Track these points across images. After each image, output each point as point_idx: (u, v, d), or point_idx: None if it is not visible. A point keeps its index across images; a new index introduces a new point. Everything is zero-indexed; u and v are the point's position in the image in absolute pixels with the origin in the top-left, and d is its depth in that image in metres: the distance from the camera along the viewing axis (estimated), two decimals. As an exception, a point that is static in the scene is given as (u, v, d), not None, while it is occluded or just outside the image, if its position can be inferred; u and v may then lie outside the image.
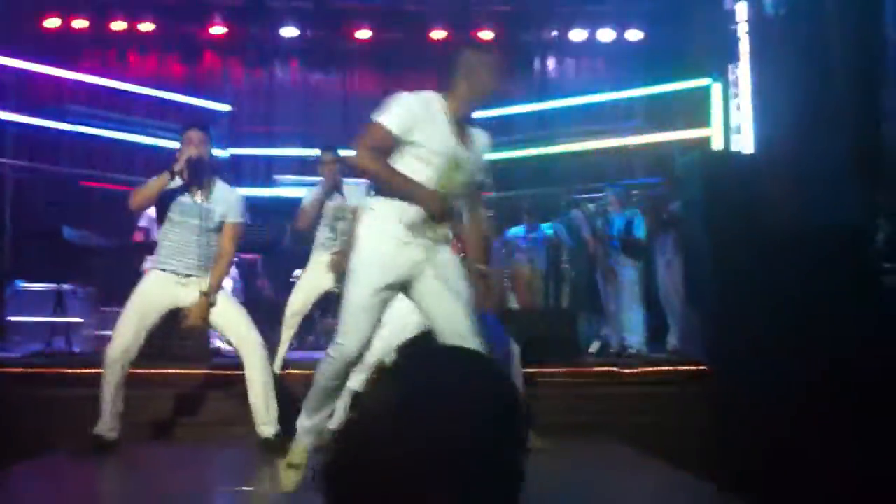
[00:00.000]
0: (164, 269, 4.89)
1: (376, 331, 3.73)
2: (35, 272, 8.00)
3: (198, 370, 6.26)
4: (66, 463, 4.77)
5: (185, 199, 4.87)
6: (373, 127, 3.49)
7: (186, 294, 4.88)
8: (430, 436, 1.17)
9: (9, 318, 7.87)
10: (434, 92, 3.64)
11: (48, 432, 5.31)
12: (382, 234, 3.57)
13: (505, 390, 1.28)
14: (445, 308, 3.60)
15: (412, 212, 3.53)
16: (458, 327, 3.55)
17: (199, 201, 4.90)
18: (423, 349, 1.43)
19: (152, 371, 5.88)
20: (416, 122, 3.48)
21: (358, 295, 3.55)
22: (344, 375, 3.73)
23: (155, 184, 4.77)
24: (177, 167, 4.74)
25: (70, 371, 6.29)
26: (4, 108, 9.44)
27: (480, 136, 3.75)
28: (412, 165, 3.51)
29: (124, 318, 4.81)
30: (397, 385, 1.29)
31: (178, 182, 4.79)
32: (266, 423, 4.84)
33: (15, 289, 8.01)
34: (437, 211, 3.53)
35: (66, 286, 7.60)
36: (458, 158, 3.57)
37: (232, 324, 4.95)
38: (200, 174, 4.85)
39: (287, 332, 6.16)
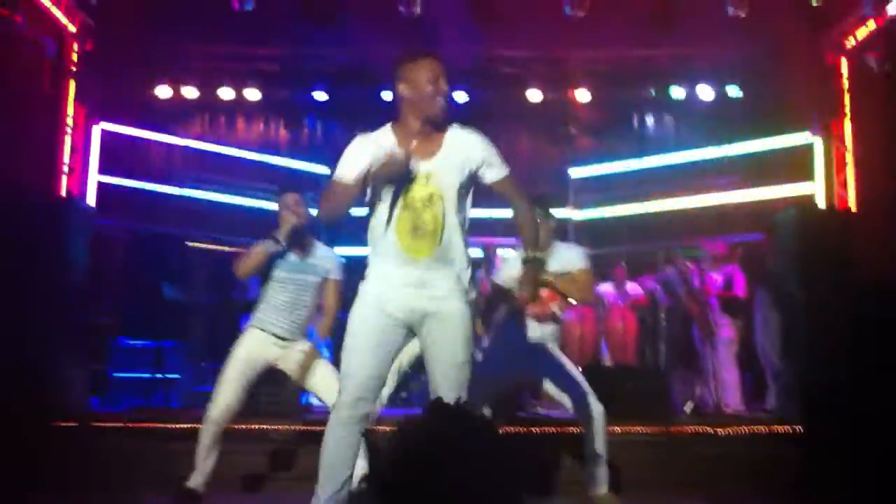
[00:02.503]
0: (263, 329, 5.04)
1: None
2: (138, 329, 8.27)
3: (290, 425, 6.33)
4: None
5: (289, 258, 5.02)
6: (330, 184, 3.55)
7: (285, 355, 5.04)
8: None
9: (111, 373, 8.13)
10: (387, 125, 3.58)
11: (142, 485, 5.45)
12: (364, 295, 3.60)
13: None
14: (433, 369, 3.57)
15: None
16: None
17: (301, 260, 5.06)
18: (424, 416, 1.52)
19: (245, 426, 5.98)
20: (371, 162, 3.42)
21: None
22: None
23: (259, 252, 4.93)
24: (279, 235, 4.89)
25: (165, 426, 6.43)
26: (116, 174, 9.88)
27: (459, 137, 3.58)
28: (380, 202, 3.50)
29: (225, 379, 4.95)
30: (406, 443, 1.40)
31: (279, 247, 4.93)
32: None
33: (119, 345, 8.29)
34: (400, 163, 3.34)
35: (165, 343, 7.81)
36: (419, 173, 3.43)
37: (323, 381, 5.04)
38: (301, 237, 5.01)
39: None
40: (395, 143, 3.49)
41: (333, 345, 8.23)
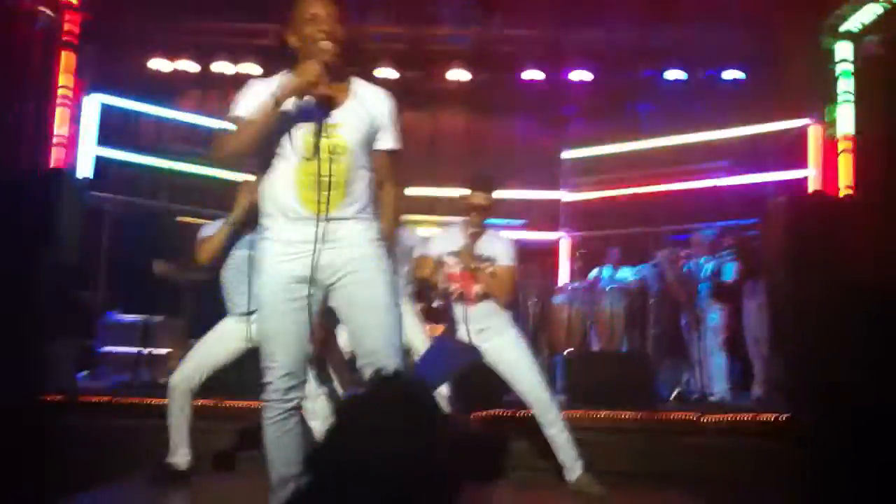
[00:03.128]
0: (233, 314, 5.08)
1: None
2: (128, 304, 8.27)
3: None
4: (139, 491, 4.94)
5: (246, 239, 4.99)
6: (228, 125, 3.25)
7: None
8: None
9: (99, 348, 8.14)
10: (285, 71, 3.23)
11: (129, 461, 5.47)
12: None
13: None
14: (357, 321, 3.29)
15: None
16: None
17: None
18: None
19: (228, 404, 6.00)
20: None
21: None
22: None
23: (218, 236, 4.96)
24: (233, 217, 5.01)
25: (152, 401, 6.44)
26: (107, 145, 9.85)
27: (367, 90, 3.32)
28: (277, 155, 3.21)
29: (194, 352, 5.05)
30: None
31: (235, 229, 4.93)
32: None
33: (108, 320, 8.30)
34: (313, 76, 3.03)
35: (154, 318, 7.82)
36: (326, 123, 3.15)
37: None
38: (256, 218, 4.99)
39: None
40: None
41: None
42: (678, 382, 7.69)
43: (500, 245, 5.07)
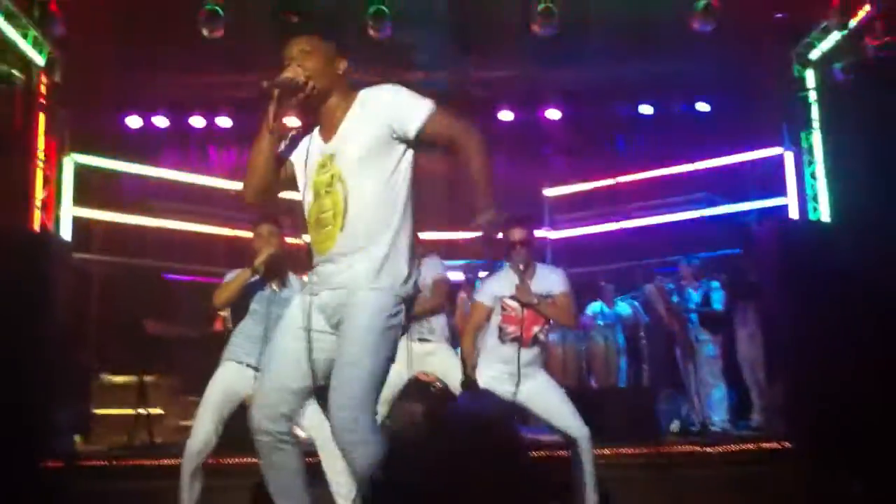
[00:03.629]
0: (238, 362, 5.00)
1: None
2: (119, 364, 8.20)
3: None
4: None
5: (264, 290, 5.03)
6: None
7: None
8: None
9: (93, 410, 8.04)
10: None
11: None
12: None
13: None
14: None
15: None
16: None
17: (276, 293, 5.04)
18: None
19: (229, 461, 5.93)
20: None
21: None
22: None
23: (237, 281, 4.91)
24: (257, 263, 4.88)
25: (151, 463, 6.38)
26: (90, 206, 9.81)
27: (362, 100, 3.10)
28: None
29: (202, 411, 4.92)
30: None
31: (255, 277, 4.93)
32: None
33: (100, 381, 8.21)
34: (292, 74, 2.99)
35: (148, 377, 7.75)
36: (324, 156, 3.08)
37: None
38: (276, 268, 5.00)
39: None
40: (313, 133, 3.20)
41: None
42: (677, 414, 7.71)
43: (553, 277, 5.12)
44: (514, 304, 5.04)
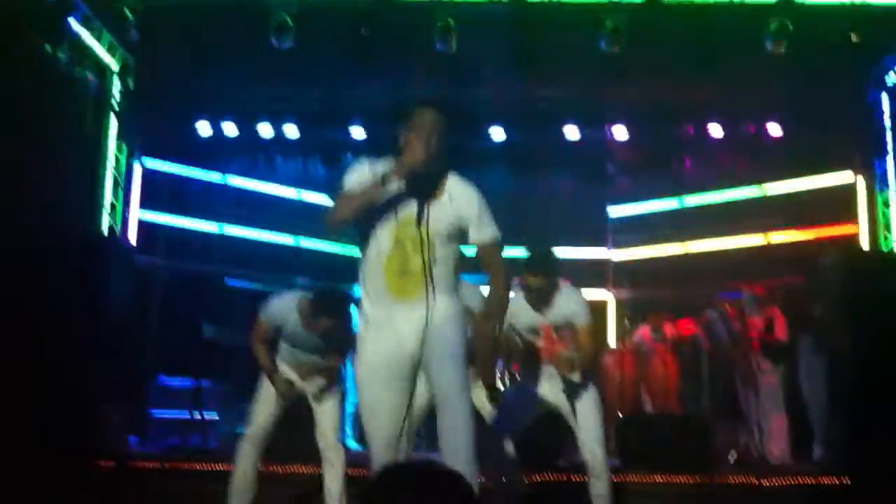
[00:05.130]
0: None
1: None
2: (177, 367, 8.29)
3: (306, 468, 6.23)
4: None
5: (298, 331, 5.10)
6: (338, 197, 3.52)
7: (307, 384, 5.24)
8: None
9: (150, 412, 8.15)
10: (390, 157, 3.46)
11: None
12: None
13: None
14: None
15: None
16: None
17: (311, 331, 5.07)
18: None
19: (279, 469, 5.95)
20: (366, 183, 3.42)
21: None
22: None
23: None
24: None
25: (204, 467, 6.43)
26: (157, 210, 9.98)
27: (458, 187, 3.50)
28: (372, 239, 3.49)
29: (258, 399, 5.24)
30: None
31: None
32: None
33: (158, 384, 8.32)
34: (419, 157, 3.29)
35: (204, 382, 7.82)
36: (410, 213, 3.40)
37: (321, 421, 5.25)
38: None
39: None
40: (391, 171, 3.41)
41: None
42: (736, 445, 7.53)
43: (573, 302, 4.95)
44: (532, 336, 4.99)
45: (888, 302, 6.63)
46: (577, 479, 5.52)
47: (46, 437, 5.97)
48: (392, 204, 3.42)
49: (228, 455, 6.97)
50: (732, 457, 7.39)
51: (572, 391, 4.97)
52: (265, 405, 5.17)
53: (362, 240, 3.51)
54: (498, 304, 3.64)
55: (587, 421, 4.94)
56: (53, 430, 6.10)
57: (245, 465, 5.12)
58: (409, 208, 3.42)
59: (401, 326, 3.43)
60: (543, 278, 4.84)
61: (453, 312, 3.48)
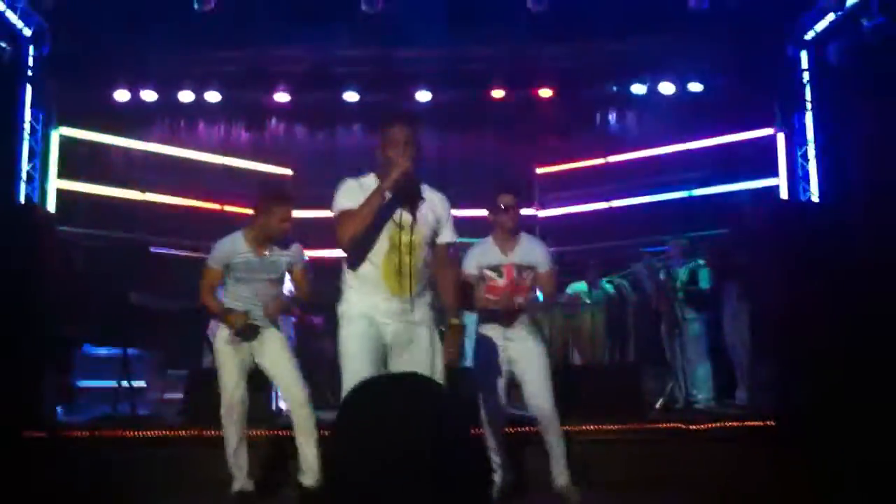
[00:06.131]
0: None
1: None
2: (103, 337, 8.15)
3: (259, 431, 6.20)
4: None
5: (251, 258, 5.13)
6: (340, 216, 3.92)
7: (259, 345, 5.24)
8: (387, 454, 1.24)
9: (77, 382, 8.01)
10: (370, 174, 4.01)
11: (112, 496, 5.39)
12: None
13: (444, 407, 1.36)
14: None
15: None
16: None
17: (264, 256, 5.16)
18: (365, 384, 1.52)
19: (212, 433, 5.88)
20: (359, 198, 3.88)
21: None
22: None
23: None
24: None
25: (133, 434, 6.35)
26: (77, 179, 9.76)
27: (433, 196, 4.07)
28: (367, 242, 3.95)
29: (223, 372, 5.18)
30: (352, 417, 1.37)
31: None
32: (305, 472, 5.12)
33: (83, 353, 8.17)
34: (405, 167, 3.79)
35: (131, 350, 7.71)
36: (406, 221, 3.92)
37: (279, 370, 5.23)
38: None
39: None
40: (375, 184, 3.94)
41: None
42: (662, 392, 7.68)
43: (538, 250, 5.26)
44: (493, 273, 5.14)
45: (808, 249, 6.81)
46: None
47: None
48: (387, 212, 3.88)
49: (158, 422, 6.99)
50: (660, 404, 7.53)
51: (521, 343, 5.13)
52: (230, 375, 5.15)
53: (356, 243, 3.90)
54: (457, 297, 4.15)
55: (538, 373, 5.11)
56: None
57: (231, 437, 5.14)
58: (399, 215, 3.91)
59: (385, 319, 3.95)
60: (514, 197, 5.16)
61: (429, 314, 4.05)
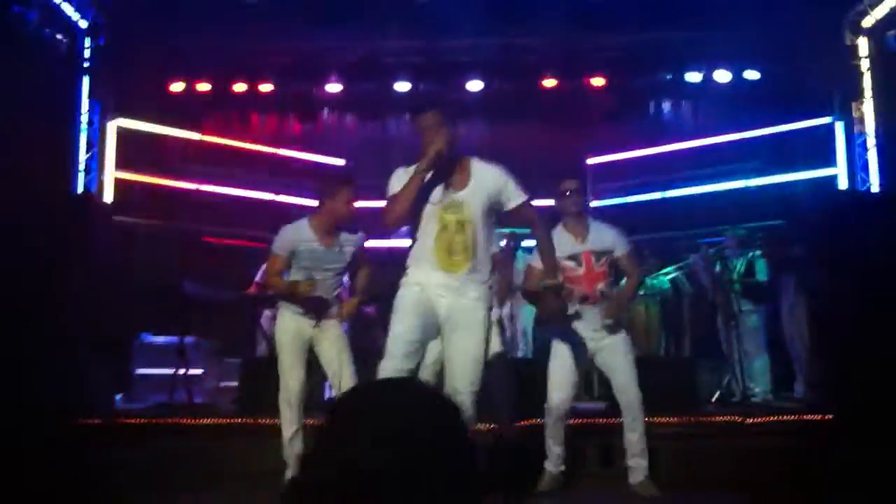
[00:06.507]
0: (290, 310, 5.28)
1: None
2: (159, 325, 8.26)
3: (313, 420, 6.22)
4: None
5: (316, 247, 5.16)
6: (390, 199, 4.13)
7: (318, 335, 5.28)
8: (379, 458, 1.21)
9: (134, 370, 8.12)
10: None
11: (168, 482, 5.43)
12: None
13: (441, 410, 1.35)
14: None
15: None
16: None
17: (331, 247, 5.20)
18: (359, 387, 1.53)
19: (266, 422, 5.91)
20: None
21: None
22: None
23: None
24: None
25: (189, 422, 6.42)
26: (132, 169, 9.87)
27: (483, 169, 4.13)
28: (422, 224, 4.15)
29: (284, 366, 5.22)
30: (342, 422, 1.35)
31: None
32: None
33: (141, 342, 8.28)
34: (440, 146, 3.94)
35: (188, 339, 7.79)
36: (453, 202, 4.07)
37: (334, 360, 5.25)
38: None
39: None
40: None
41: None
42: (719, 385, 7.59)
43: (611, 234, 5.29)
44: (571, 263, 5.13)
45: (867, 241, 6.67)
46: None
47: (33, 395, 5.94)
48: (430, 192, 4.05)
49: (214, 410, 7.06)
50: (715, 397, 7.44)
51: (608, 336, 5.18)
52: (291, 369, 5.20)
53: (415, 225, 4.13)
54: (549, 244, 4.34)
55: (625, 366, 5.18)
56: (40, 388, 6.07)
57: (287, 422, 5.18)
58: (445, 195, 4.06)
59: (440, 292, 4.07)
60: (577, 181, 5.32)
61: (484, 293, 4.13)
